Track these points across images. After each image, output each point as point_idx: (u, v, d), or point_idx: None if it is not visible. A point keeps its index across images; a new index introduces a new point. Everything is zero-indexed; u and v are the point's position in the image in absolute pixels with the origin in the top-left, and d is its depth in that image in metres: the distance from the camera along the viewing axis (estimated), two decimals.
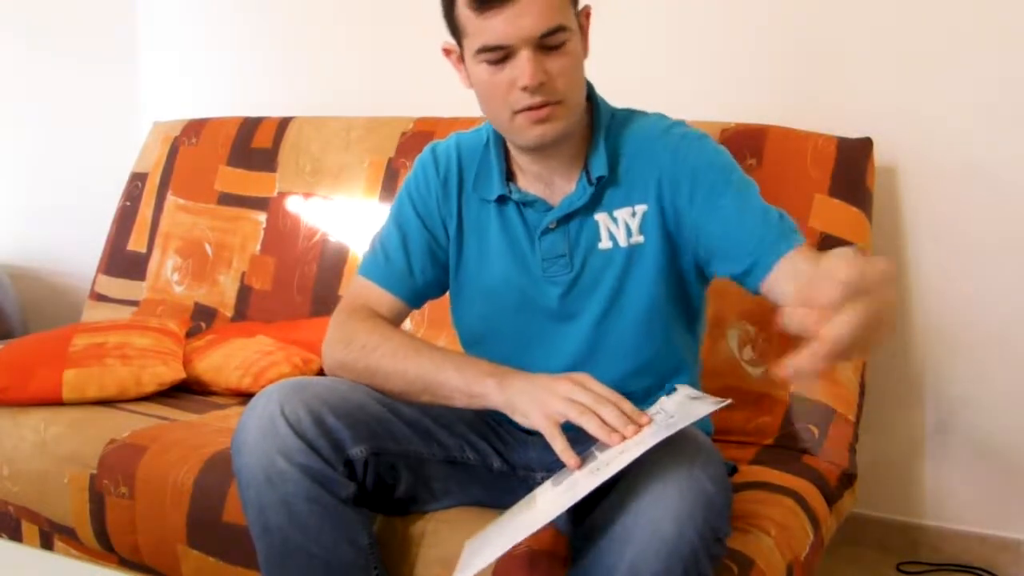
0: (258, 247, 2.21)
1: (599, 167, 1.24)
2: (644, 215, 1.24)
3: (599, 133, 1.25)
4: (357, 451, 1.17)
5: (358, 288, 1.35)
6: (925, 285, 1.86)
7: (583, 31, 1.23)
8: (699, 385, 1.35)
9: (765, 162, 1.72)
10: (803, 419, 1.62)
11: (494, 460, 1.31)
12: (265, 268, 2.19)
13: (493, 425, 1.33)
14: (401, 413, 1.24)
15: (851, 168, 1.69)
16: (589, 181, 1.24)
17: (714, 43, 1.99)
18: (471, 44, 1.17)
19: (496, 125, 1.26)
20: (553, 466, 1.22)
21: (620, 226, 1.25)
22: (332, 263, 2.11)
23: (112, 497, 1.57)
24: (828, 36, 1.89)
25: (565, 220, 1.26)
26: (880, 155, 1.74)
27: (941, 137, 1.82)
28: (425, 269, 1.33)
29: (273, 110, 2.37)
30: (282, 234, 2.18)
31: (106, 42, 2.75)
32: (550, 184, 1.28)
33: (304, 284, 2.12)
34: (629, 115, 1.30)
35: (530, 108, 1.16)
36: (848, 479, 1.62)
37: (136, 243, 2.39)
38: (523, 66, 1.13)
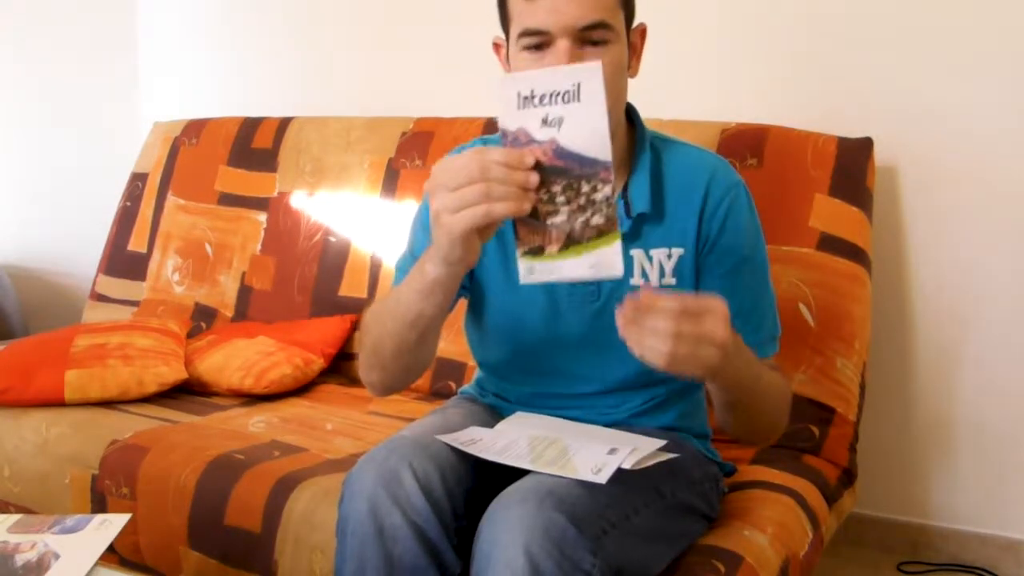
0: (258, 247, 2.21)
1: (641, 202, 1.19)
2: (680, 259, 1.20)
3: (642, 160, 1.20)
4: (464, 522, 1.09)
5: None
6: (925, 285, 1.86)
7: (634, 49, 1.20)
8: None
9: (765, 162, 1.72)
10: (803, 419, 1.62)
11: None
12: (265, 268, 2.19)
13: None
14: (444, 427, 1.18)
15: (851, 168, 1.69)
16: (628, 213, 1.19)
17: (714, 43, 1.99)
18: (515, 30, 1.14)
19: None
20: None
21: (654, 265, 1.20)
22: (332, 263, 2.11)
23: (114, 498, 1.58)
24: (828, 36, 1.89)
25: None
26: (880, 155, 1.74)
27: (941, 137, 1.82)
28: None
29: (273, 110, 2.37)
30: (282, 234, 2.18)
31: (106, 42, 2.75)
32: None
33: (304, 284, 2.13)
34: (668, 143, 1.25)
35: None
36: (848, 479, 1.62)
37: (136, 243, 2.40)
38: (559, 56, 1.10)
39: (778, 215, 1.68)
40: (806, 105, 1.88)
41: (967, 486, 1.88)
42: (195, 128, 2.41)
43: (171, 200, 2.37)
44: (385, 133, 2.13)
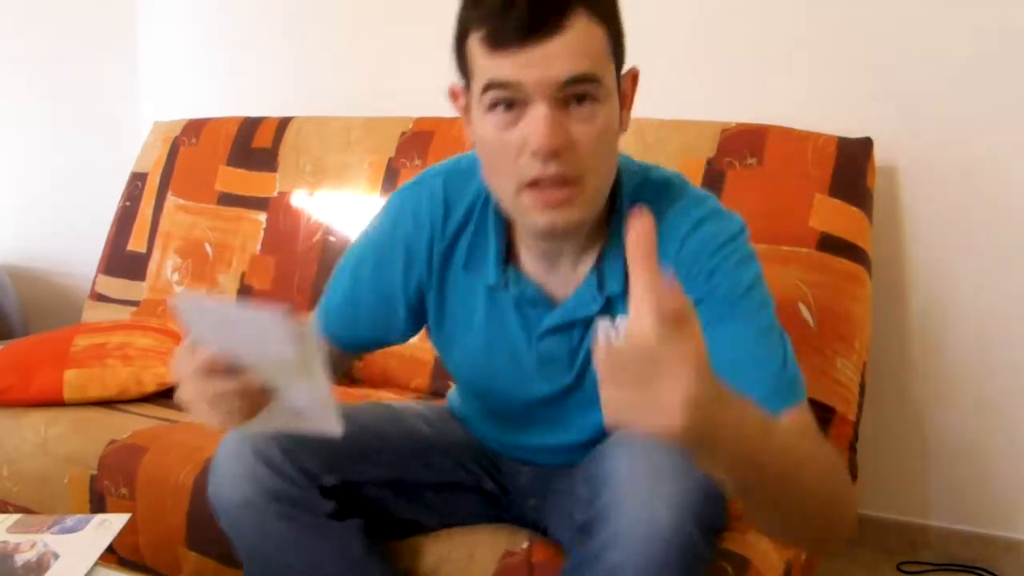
0: (258, 247, 2.21)
1: (614, 282, 1.04)
2: None
3: (620, 232, 1.02)
4: (330, 479, 1.14)
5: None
6: (924, 285, 1.86)
7: (625, 99, 1.01)
8: None
9: (765, 162, 1.72)
10: None
11: (487, 482, 1.28)
12: (265, 268, 2.19)
13: (486, 451, 1.28)
14: (390, 440, 1.21)
15: (851, 168, 1.69)
16: (600, 288, 1.05)
17: (714, 43, 1.99)
18: (478, 83, 0.95)
19: (499, 199, 1.03)
20: (546, 494, 1.21)
21: (621, 333, 1.09)
22: (332, 263, 2.08)
23: (112, 498, 1.57)
24: (828, 36, 1.89)
25: (568, 326, 1.08)
26: (880, 155, 1.74)
27: (941, 137, 1.82)
28: (372, 327, 1.19)
29: (273, 110, 2.37)
30: (282, 234, 2.18)
31: (106, 41, 2.75)
32: (555, 267, 1.07)
33: (304, 284, 2.12)
34: (658, 192, 1.06)
35: (540, 183, 0.94)
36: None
37: (136, 243, 2.40)
38: (537, 123, 0.91)
39: (778, 215, 1.68)
40: (806, 105, 1.88)
41: (967, 486, 1.88)
42: (195, 128, 2.41)
43: (171, 200, 2.37)
44: (385, 133, 2.13)
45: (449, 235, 1.11)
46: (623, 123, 1.01)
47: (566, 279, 1.08)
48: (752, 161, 1.72)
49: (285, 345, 0.87)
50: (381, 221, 1.17)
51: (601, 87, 0.94)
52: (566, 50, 0.90)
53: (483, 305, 1.12)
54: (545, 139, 0.91)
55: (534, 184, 0.94)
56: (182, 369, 0.93)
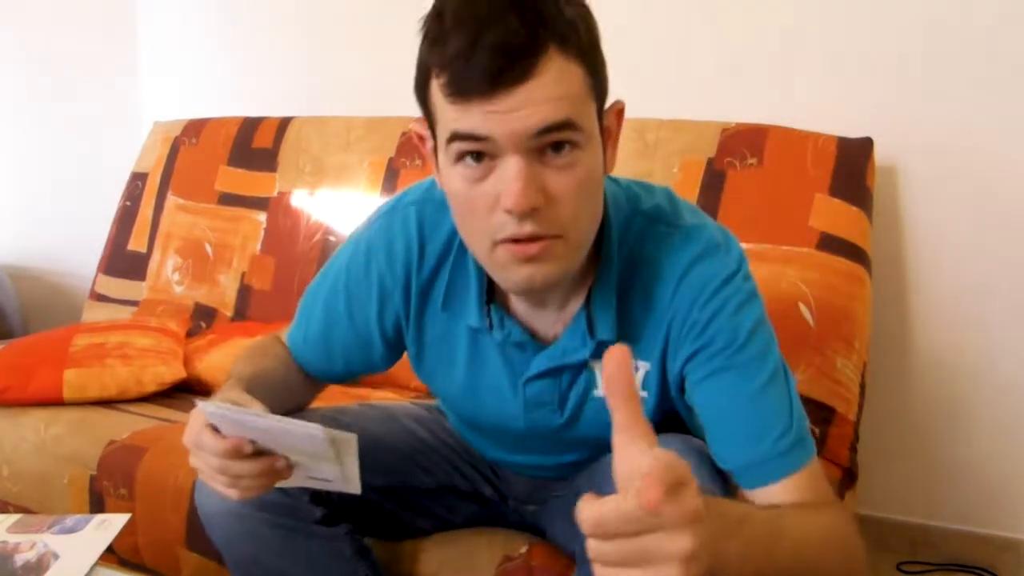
0: (258, 247, 2.21)
1: (605, 329, 0.97)
2: (647, 374, 0.99)
3: (609, 277, 0.96)
4: None
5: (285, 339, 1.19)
6: (924, 285, 1.86)
7: (609, 136, 0.91)
8: None
9: (765, 162, 1.72)
10: None
11: (484, 488, 1.26)
12: (265, 268, 2.19)
13: (483, 458, 1.26)
14: (386, 443, 1.19)
15: (851, 168, 1.69)
16: (591, 333, 0.98)
17: (714, 43, 1.99)
18: (443, 132, 0.85)
19: (474, 254, 0.94)
20: (546, 499, 1.20)
21: None
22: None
23: (112, 498, 1.57)
24: (828, 36, 1.88)
25: (557, 371, 1.02)
26: (880, 155, 1.74)
27: (941, 137, 1.81)
28: (348, 362, 1.14)
29: (273, 110, 2.37)
30: (282, 234, 2.18)
31: (106, 42, 2.75)
32: (542, 307, 1.00)
33: (304, 284, 2.10)
34: (645, 228, 0.97)
35: (516, 240, 0.85)
36: (848, 479, 1.62)
37: (136, 243, 2.40)
38: (509, 179, 0.81)
39: (778, 215, 1.68)
40: (806, 105, 1.88)
41: (967, 486, 1.88)
42: (195, 128, 2.41)
43: (171, 200, 2.37)
44: (385, 133, 2.13)
45: (426, 272, 1.03)
46: (608, 164, 0.91)
47: (554, 319, 1.00)
48: (752, 161, 1.72)
49: (321, 448, 0.87)
50: (352, 253, 1.08)
51: (580, 132, 0.83)
52: (539, 96, 0.80)
53: (465, 345, 1.05)
54: (519, 198, 0.81)
55: (512, 241, 0.85)
56: (203, 446, 0.90)
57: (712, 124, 1.79)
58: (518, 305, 1.01)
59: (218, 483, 0.91)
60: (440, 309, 1.04)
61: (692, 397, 0.96)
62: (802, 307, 1.64)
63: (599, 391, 1.01)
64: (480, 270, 0.98)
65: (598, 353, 0.97)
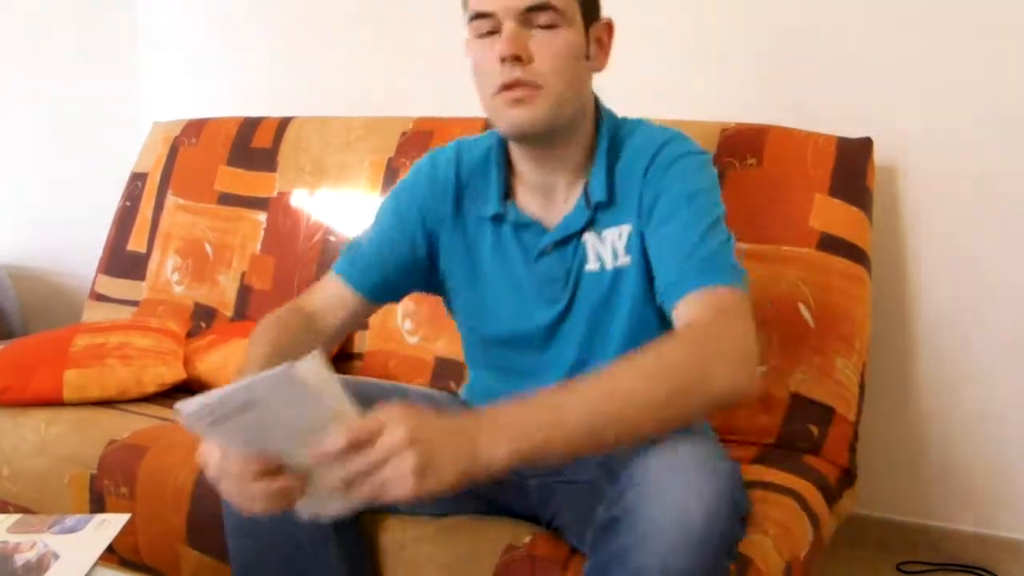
0: (258, 247, 2.21)
1: (598, 191, 1.21)
2: (629, 235, 1.21)
3: (601, 150, 1.22)
4: None
5: (318, 285, 1.36)
6: (925, 285, 1.86)
7: (600, 43, 1.21)
8: None
9: (765, 162, 1.72)
10: (803, 419, 1.62)
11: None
12: (265, 268, 2.19)
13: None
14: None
15: (851, 168, 1.69)
16: (587, 204, 1.21)
17: (714, 43, 1.99)
18: (468, 16, 1.17)
19: (484, 109, 1.21)
20: (546, 475, 1.21)
21: (607, 247, 1.22)
22: (332, 263, 2.10)
23: (112, 497, 1.58)
24: (828, 36, 1.89)
25: (563, 243, 1.23)
26: (880, 155, 1.74)
27: (941, 137, 1.82)
28: (393, 270, 1.30)
29: (273, 110, 2.37)
30: (282, 234, 2.18)
31: (106, 42, 2.75)
32: (550, 198, 1.25)
33: (304, 284, 2.12)
34: (634, 128, 1.25)
35: (507, 87, 1.13)
36: (848, 479, 1.62)
37: (136, 243, 2.40)
38: (503, 37, 1.13)
39: (778, 215, 1.68)
40: (806, 105, 1.88)
41: (967, 486, 1.88)
42: (195, 128, 2.41)
43: (171, 200, 2.37)
44: (385, 133, 2.13)
45: (463, 180, 1.28)
46: (598, 60, 1.21)
47: (559, 210, 1.23)
48: (752, 161, 1.72)
49: (299, 397, 0.88)
50: (404, 179, 1.34)
51: (561, 16, 1.13)
52: None
53: (489, 236, 1.27)
54: (506, 45, 1.11)
55: (504, 87, 1.13)
56: (219, 473, 0.97)
57: (712, 124, 1.79)
58: (529, 200, 1.25)
59: (244, 504, 0.98)
60: (471, 206, 1.27)
61: (648, 245, 1.17)
62: (802, 307, 1.64)
63: (590, 265, 1.22)
64: (500, 171, 1.25)
65: (592, 219, 1.21)
